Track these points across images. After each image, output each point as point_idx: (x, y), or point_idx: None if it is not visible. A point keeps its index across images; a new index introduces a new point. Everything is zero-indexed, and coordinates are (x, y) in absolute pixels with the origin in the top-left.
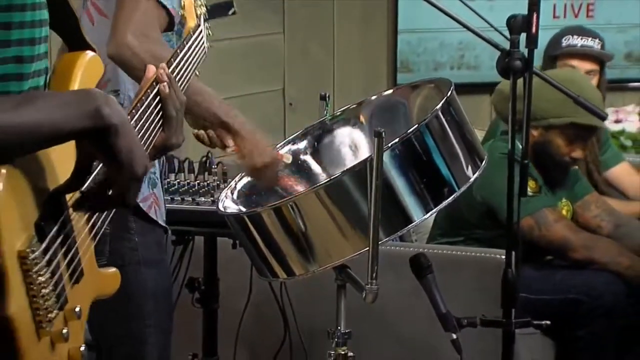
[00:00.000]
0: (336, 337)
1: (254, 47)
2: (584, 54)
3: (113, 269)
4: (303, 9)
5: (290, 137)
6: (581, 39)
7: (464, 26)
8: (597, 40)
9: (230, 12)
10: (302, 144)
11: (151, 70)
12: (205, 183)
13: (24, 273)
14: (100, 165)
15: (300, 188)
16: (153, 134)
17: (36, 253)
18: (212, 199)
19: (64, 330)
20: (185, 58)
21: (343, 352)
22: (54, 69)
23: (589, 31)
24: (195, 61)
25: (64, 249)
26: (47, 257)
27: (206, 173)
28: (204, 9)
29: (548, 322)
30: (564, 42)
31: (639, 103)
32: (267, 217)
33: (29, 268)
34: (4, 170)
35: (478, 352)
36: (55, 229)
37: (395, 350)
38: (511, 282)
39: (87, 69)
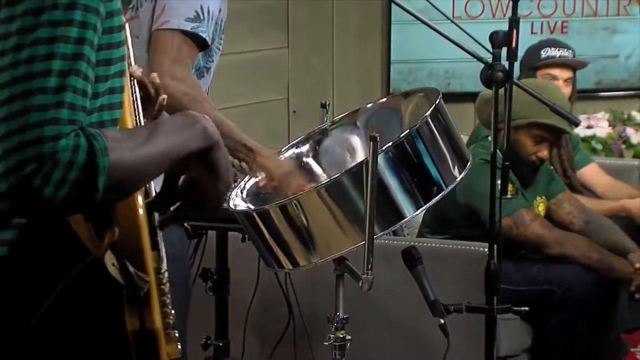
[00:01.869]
0: (335, 322)
1: (261, 60)
2: (563, 64)
3: None
4: (305, 26)
5: (293, 142)
6: (558, 50)
7: (454, 43)
8: (570, 51)
9: None
10: (305, 148)
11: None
12: None
13: (158, 287)
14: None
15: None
16: None
17: (162, 267)
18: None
19: (176, 333)
20: None
21: (341, 336)
22: None
23: (563, 43)
24: None
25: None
26: (163, 267)
27: None
28: None
29: (527, 308)
30: (543, 54)
31: (608, 110)
32: (273, 214)
33: (160, 281)
34: (139, 198)
35: (463, 336)
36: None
37: (388, 334)
38: (493, 273)
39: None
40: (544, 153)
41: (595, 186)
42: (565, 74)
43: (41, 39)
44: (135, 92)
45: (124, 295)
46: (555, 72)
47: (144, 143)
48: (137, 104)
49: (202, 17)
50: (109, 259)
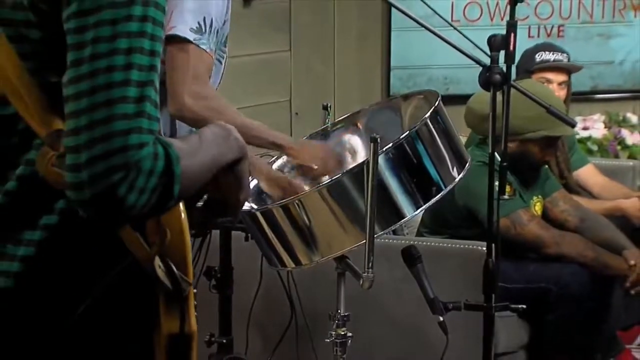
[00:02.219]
0: (336, 319)
1: (264, 63)
2: (556, 67)
3: None
4: (307, 30)
5: None
6: (552, 54)
7: (453, 46)
8: (565, 55)
9: None
10: None
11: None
12: None
13: (194, 292)
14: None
15: (305, 187)
16: None
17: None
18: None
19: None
20: None
21: (342, 332)
22: None
23: (558, 47)
24: None
25: None
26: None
27: None
28: None
29: (524, 306)
30: (538, 58)
31: (604, 112)
32: (276, 213)
33: (194, 285)
34: (182, 206)
35: (462, 333)
36: None
37: (388, 331)
38: (491, 271)
39: None
40: (549, 156)
41: (591, 186)
42: (560, 77)
43: (119, 50)
44: None
45: (164, 298)
46: (550, 75)
47: (197, 152)
48: None
49: (203, 29)
50: (156, 263)
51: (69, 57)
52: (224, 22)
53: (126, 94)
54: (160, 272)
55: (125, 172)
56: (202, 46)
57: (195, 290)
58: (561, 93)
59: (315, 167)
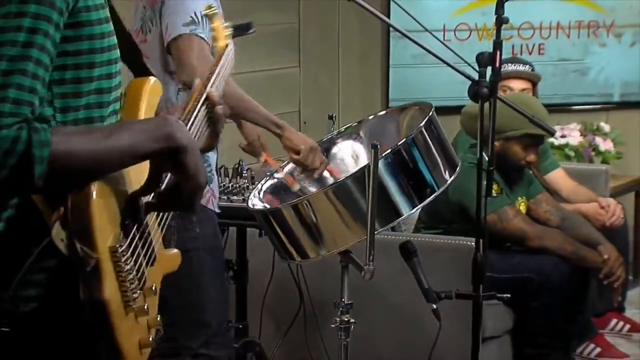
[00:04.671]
0: (341, 307)
1: (276, 78)
2: (517, 76)
3: (175, 250)
4: (314, 48)
5: None
6: (514, 65)
7: (444, 62)
8: (527, 66)
9: (251, 31)
10: None
11: (197, 84)
12: (237, 185)
13: (114, 264)
14: (169, 176)
15: (312, 189)
16: (200, 137)
17: (123, 247)
18: (242, 197)
19: (145, 306)
20: (219, 72)
21: (346, 319)
22: (125, 92)
23: (520, 59)
24: (226, 73)
25: (141, 240)
26: (131, 248)
27: (238, 177)
28: (230, 30)
29: (509, 295)
30: (502, 69)
31: (580, 122)
32: (286, 212)
33: (118, 259)
34: (94, 185)
35: (453, 319)
36: (135, 225)
37: (387, 318)
38: (479, 264)
39: (151, 92)
40: (532, 157)
41: (560, 189)
42: (520, 85)
43: None
44: (198, 107)
45: (78, 269)
46: (511, 83)
47: (99, 139)
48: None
49: (196, 20)
50: (58, 235)
51: None
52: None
53: None
54: (61, 243)
55: None
56: (199, 34)
57: (121, 263)
58: None
59: (299, 153)
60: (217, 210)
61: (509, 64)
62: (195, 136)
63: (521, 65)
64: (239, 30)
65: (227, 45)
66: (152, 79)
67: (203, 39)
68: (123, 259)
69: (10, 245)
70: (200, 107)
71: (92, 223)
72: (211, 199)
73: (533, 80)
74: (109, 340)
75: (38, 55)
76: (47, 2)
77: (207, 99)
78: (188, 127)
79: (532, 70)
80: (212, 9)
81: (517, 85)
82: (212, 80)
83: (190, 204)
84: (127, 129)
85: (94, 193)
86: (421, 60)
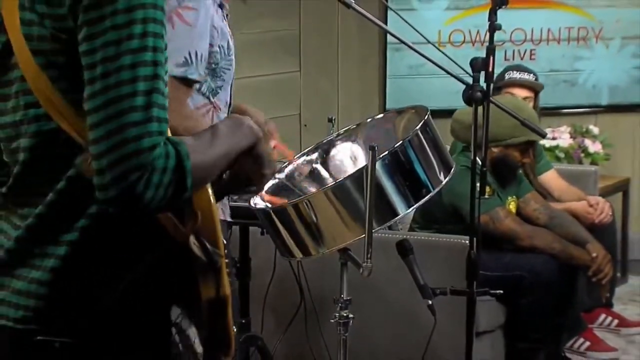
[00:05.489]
0: (340, 303)
1: (277, 82)
2: (520, 84)
3: None
4: (314, 53)
5: (305, 150)
6: (519, 73)
7: (439, 67)
8: (532, 75)
9: None
10: (314, 156)
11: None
12: None
13: (224, 262)
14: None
15: (313, 189)
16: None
17: (225, 243)
18: (245, 197)
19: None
20: None
21: (345, 314)
22: None
23: (526, 68)
24: None
25: None
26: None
27: None
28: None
29: (501, 291)
30: (507, 76)
31: (570, 125)
32: (287, 211)
33: (226, 255)
34: (209, 190)
35: (448, 315)
36: None
37: (384, 313)
38: (473, 261)
39: None
40: (527, 159)
41: (552, 189)
42: (523, 93)
43: (125, 66)
44: None
45: (200, 271)
46: (515, 91)
47: (210, 146)
48: None
49: (190, 61)
50: (191, 241)
51: (85, 76)
52: (211, 44)
53: (134, 104)
54: (196, 248)
55: (140, 172)
56: (189, 76)
57: (227, 260)
58: None
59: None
60: (229, 219)
61: (515, 72)
62: None
63: (526, 73)
64: None
65: None
66: None
67: (192, 80)
68: (226, 254)
69: (86, 254)
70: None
71: (215, 225)
72: (221, 208)
73: (536, 89)
74: (225, 328)
75: (162, 73)
76: (158, 20)
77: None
78: None
79: (536, 79)
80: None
81: (520, 92)
82: None
83: (261, 189)
84: (221, 132)
85: (212, 198)
86: (417, 72)
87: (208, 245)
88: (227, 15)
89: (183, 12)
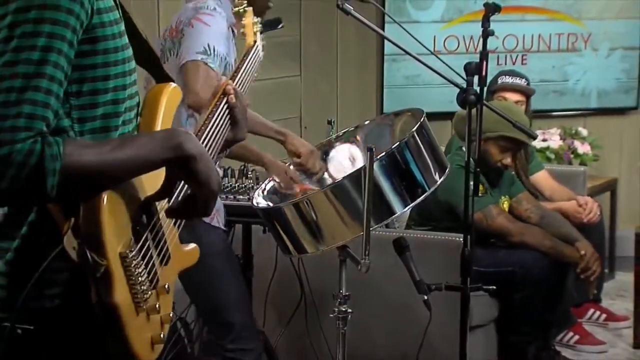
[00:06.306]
0: (339, 298)
1: (278, 85)
2: (512, 89)
3: (192, 245)
4: (314, 58)
5: None
6: (512, 78)
7: (434, 71)
8: (524, 80)
9: (280, 26)
10: None
11: (222, 82)
12: (243, 185)
13: (124, 269)
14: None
15: (312, 187)
16: (224, 133)
17: (133, 252)
18: (247, 197)
19: (157, 305)
20: (245, 69)
21: (344, 309)
22: (145, 97)
23: (518, 72)
24: (253, 70)
25: (155, 242)
26: (142, 252)
27: (243, 178)
28: (259, 26)
29: (494, 287)
30: (500, 81)
31: (560, 127)
32: (288, 210)
33: (128, 264)
34: (105, 194)
35: (443, 310)
36: (148, 229)
37: (382, 308)
38: (467, 258)
39: (170, 97)
40: (507, 160)
41: (544, 189)
42: (515, 97)
43: (7, 62)
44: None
45: (85, 272)
46: (507, 95)
47: (110, 151)
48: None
49: (209, 52)
50: (70, 243)
51: None
52: (226, 56)
53: (6, 99)
54: (72, 251)
55: None
56: (210, 64)
57: (132, 267)
58: None
59: (300, 156)
60: (223, 228)
61: (507, 76)
62: (215, 138)
63: (518, 78)
64: (269, 27)
65: (255, 42)
66: (172, 84)
67: (212, 68)
68: (134, 264)
69: (32, 248)
70: (221, 104)
71: (102, 231)
72: (216, 217)
73: (528, 93)
74: (120, 338)
75: (52, 72)
76: (61, 22)
77: (223, 92)
78: (206, 132)
79: (528, 84)
80: (244, 5)
81: (512, 97)
82: (237, 76)
83: (205, 209)
84: (138, 141)
85: (104, 202)
86: (413, 82)
87: (87, 251)
88: (235, 42)
89: (200, 16)
